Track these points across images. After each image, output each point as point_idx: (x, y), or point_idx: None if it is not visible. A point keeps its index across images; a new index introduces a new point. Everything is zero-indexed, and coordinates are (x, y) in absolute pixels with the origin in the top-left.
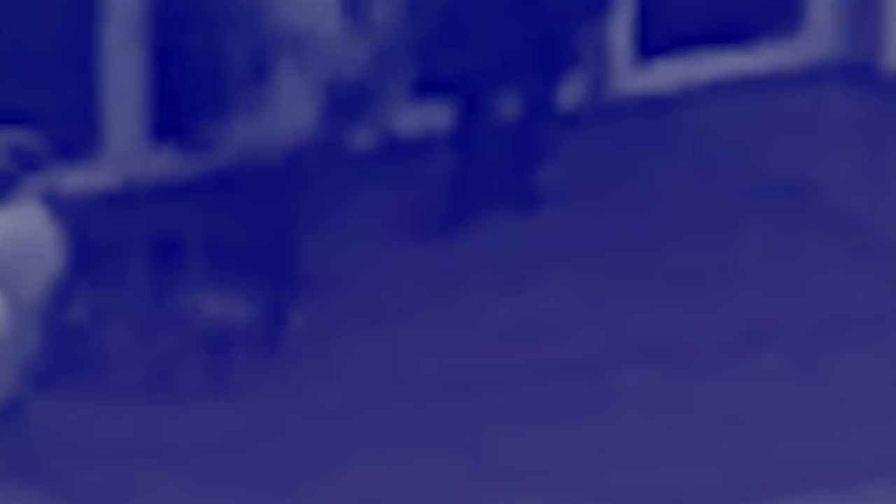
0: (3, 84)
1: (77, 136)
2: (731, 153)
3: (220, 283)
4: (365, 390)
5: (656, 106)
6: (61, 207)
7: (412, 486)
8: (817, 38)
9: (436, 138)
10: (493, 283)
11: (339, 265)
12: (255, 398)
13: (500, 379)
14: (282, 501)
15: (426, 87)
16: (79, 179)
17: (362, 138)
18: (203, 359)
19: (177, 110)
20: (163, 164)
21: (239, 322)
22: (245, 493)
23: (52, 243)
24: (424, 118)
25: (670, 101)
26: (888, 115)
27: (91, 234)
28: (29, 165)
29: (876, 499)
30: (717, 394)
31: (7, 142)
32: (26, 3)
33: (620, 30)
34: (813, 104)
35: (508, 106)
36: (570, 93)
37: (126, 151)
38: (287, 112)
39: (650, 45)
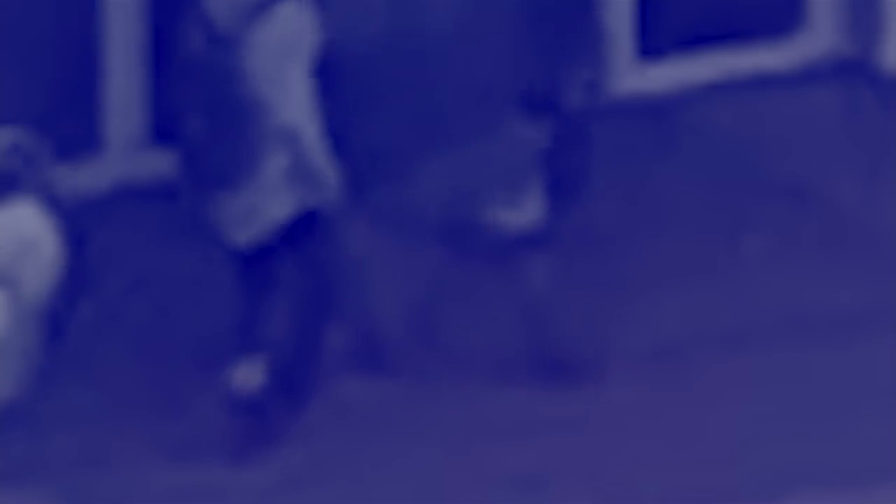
0: (3, 84)
1: (77, 135)
2: (731, 153)
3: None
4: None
5: (656, 106)
6: (61, 207)
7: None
8: (817, 37)
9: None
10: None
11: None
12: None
13: (499, 379)
14: None
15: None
16: (79, 179)
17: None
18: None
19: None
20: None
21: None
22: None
23: (52, 243)
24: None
25: (670, 101)
26: (888, 114)
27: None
28: (29, 165)
29: (876, 499)
30: (715, 393)
31: (7, 142)
32: (26, 2)
33: (620, 30)
34: (813, 103)
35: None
36: (570, 93)
37: (126, 152)
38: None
39: (650, 45)
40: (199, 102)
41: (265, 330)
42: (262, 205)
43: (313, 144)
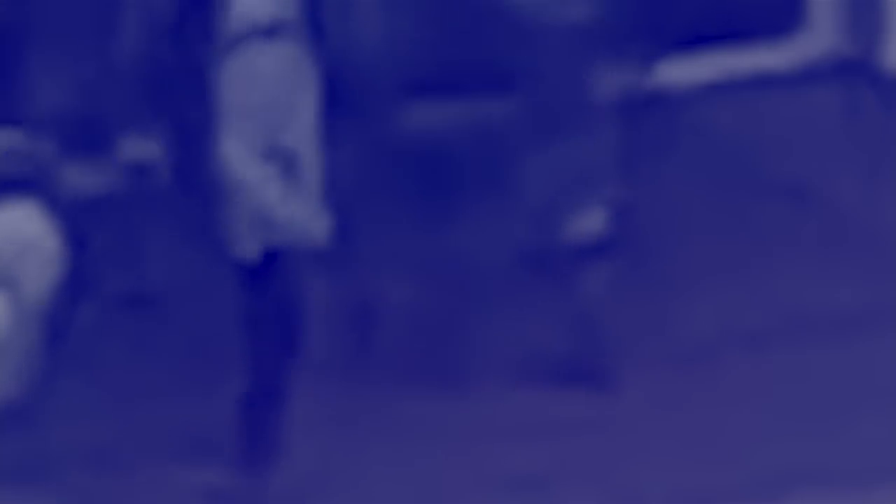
0: (5, 84)
1: (79, 136)
2: (731, 153)
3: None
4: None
5: (657, 106)
6: (61, 208)
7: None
8: (817, 37)
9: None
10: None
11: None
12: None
13: (511, 381)
14: None
15: (427, 88)
16: (79, 180)
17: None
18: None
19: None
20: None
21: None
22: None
23: (52, 244)
24: (425, 117)
25: (671, 100)
26: (888, 114)
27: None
28: (30, 166)
29: (876, 499)
30: (714, 394)
31: (7, 142)
32: (29, 3)
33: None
34: (813, 103)
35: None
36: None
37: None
38: None
39: (651, 45)
40: (196, 113)
41: (258, 339)
42: (248, 225)
43: (274, 191)
